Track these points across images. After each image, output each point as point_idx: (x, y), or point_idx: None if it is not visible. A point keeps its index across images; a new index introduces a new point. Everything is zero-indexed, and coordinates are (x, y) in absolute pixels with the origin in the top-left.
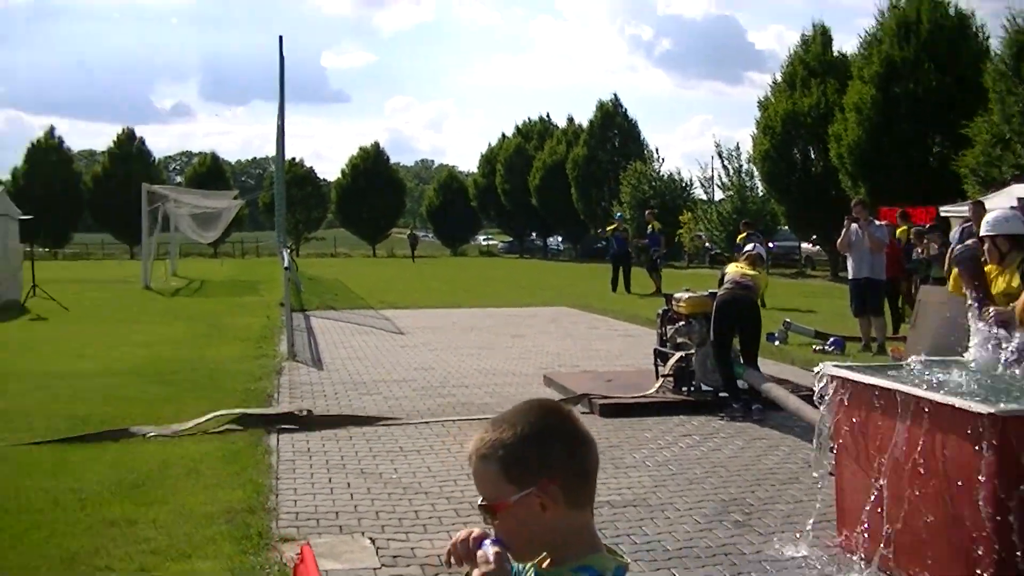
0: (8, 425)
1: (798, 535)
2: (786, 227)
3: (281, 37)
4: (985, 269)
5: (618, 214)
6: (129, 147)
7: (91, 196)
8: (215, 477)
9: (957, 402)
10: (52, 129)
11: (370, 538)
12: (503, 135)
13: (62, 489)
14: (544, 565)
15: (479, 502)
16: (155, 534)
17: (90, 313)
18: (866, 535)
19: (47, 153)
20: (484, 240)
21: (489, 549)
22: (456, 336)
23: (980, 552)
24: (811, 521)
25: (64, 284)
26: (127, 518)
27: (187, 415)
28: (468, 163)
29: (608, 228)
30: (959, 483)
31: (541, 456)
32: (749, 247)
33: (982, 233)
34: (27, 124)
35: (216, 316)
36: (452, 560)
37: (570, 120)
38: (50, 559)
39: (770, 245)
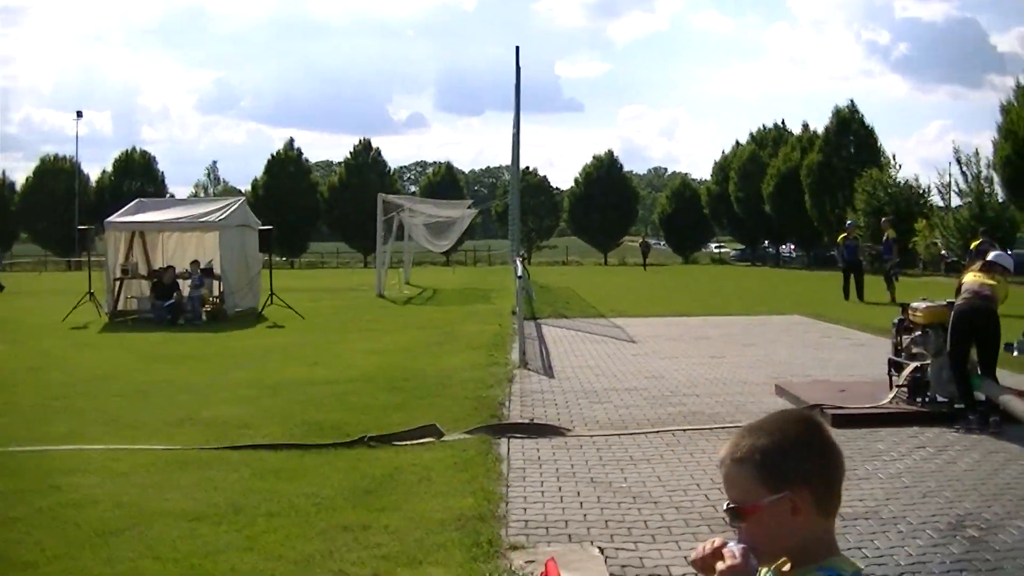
0: (244, 432)
1: None
2: None
3: (518, 48)
4: None
5: (849, 221)
6: (365, 157)
7: (327, 206)
8: (446, 484)
9: None
10: (291, 141)
11: (599, 547)
12: (737, 142)
13: (298, 493)
14: (785, 569)
15: (727, 505)
16: (387, 540)
17: (324, 321)
18: None
19: (286, 164)
20: (716, 248)
21: (736, 547)
22: (687, 345)
23: None
24: None
25: (300, 293)
26: (360, 523)
27: (417, 423)
28: (701, 171)
29: (840, 236)
30: None
31: (797, 464)
32: (993, 255)
33: None
34: (267, 136)
35: (448, 324)
36: (699, 563)
37: (805, 127)
38: (285, 561)
39: (1007, 253)
